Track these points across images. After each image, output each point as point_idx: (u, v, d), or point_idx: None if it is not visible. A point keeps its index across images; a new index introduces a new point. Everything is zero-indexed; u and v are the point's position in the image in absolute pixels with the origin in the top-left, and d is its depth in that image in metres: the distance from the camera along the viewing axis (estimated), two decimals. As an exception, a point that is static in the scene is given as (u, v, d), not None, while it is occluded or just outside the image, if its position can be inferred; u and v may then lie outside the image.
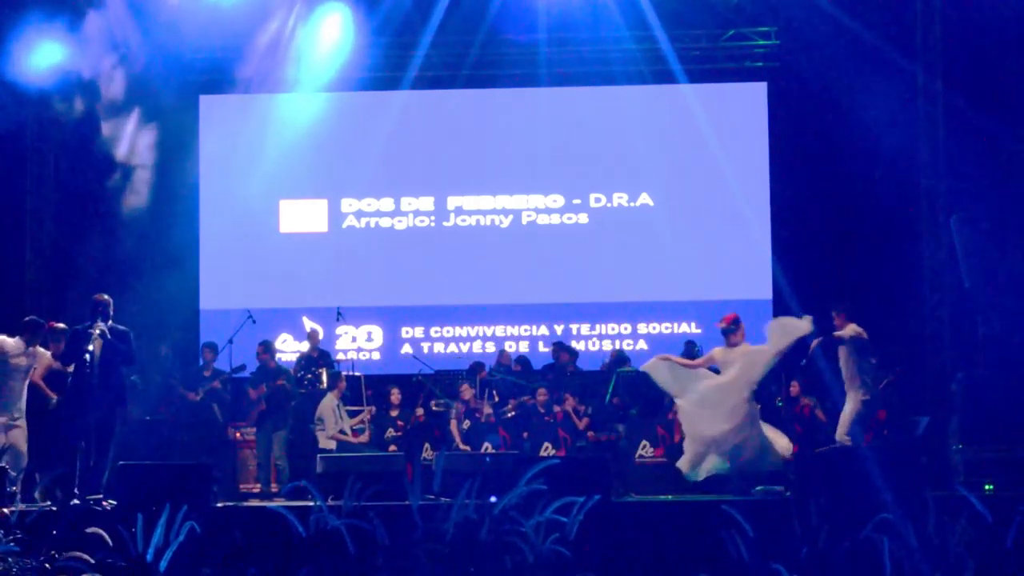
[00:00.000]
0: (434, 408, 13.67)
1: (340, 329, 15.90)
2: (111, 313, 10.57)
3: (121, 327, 10.62)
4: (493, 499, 8.57)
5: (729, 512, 8.34)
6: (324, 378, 13.67)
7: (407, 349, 16.35)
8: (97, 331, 10.34)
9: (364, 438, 13.20)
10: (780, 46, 16.40)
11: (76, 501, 9.96)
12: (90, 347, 10.28)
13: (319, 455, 11.73)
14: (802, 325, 11.46)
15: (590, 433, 13.36)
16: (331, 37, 16.12)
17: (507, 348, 15.70)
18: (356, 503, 8.65)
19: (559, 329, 16.32)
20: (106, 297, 10.62)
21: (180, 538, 7.76)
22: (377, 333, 16.47)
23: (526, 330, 16.46)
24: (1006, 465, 11.51)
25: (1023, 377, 12.65)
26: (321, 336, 14.85)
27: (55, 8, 15.39)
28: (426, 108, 16.73)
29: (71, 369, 10.63)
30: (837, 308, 11.75)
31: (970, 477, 11.49)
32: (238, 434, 13.66)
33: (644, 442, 13.21)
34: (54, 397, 11.31)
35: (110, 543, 8.11)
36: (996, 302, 13.67)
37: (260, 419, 13.13)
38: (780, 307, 15.64)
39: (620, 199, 16.56)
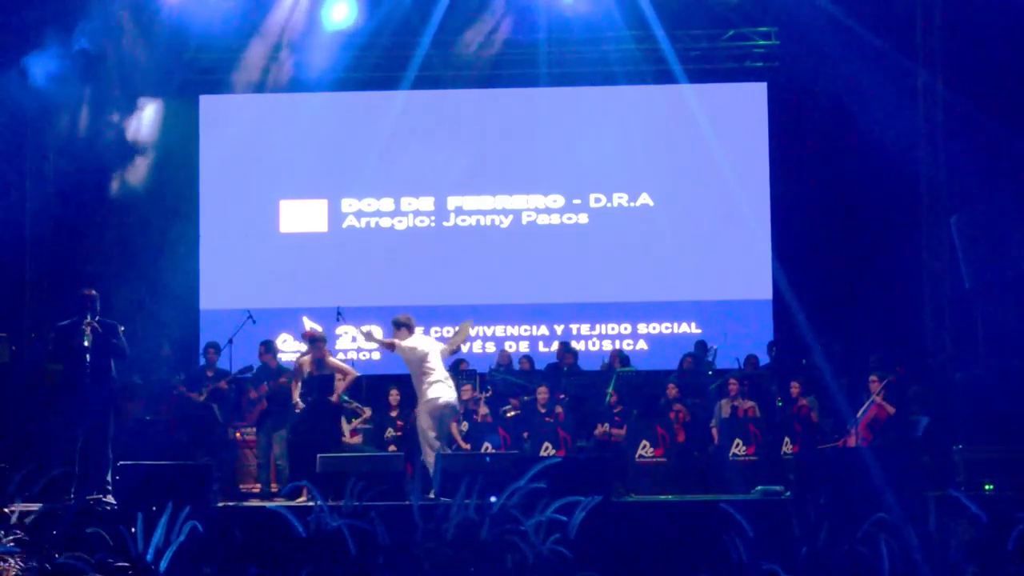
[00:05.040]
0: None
1: (340, 329, 15.87)
2: (99, 307, 10.55)
3: (109, 320, 10.59)
4: (493, 499, 8.58)
5: (729, 512, 8.35)
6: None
7: (399, 352, 16.29)
8: (87, 326, 10.31)
9: (356, 423, 13.21)
10: (780, 46, 16.39)
11: (73, 498, 9.97)
12: (84, 343, 10.27)
13: (319, 455, 11.72)
14: None
15: (600, 427, 13.34)
16: (331, 36, 16.12)
17: (507, 348, 15.71)
18: (356, 503, 8.66)
19: (559, 329, 16.32)
20: (94, 292, 10.60)
21: (180, 538, 7.77)
22: (377, 333, 16.37)
23: (526, 330, 16.45)
24: (1006, 465, 11.50)
25: (1023, 377, 12.66)
26: (321, 336, 14.84)
27: (55, 9, 15.41)
28: (426, 108, 16.72)
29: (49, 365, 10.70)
30: None
31: (970, 477, 11.49)
32: (238, 434, 13.65)
33: (644, 442, 13.21)
34: (300, 406, 12.07)
35: (110, 543, 8.13)
36: (996, 302, 13.68)
37: (261, 419, 13.12)
38: (780, 307, 15.66)
39: (620, 199, 16.55)
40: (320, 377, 12.10)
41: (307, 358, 12.35)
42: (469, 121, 16.69)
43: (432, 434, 11.51)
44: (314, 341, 12.29)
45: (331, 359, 12.37)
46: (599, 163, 16.45)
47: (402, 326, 11.89)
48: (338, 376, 12.27)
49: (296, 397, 12.21)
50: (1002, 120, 14.24)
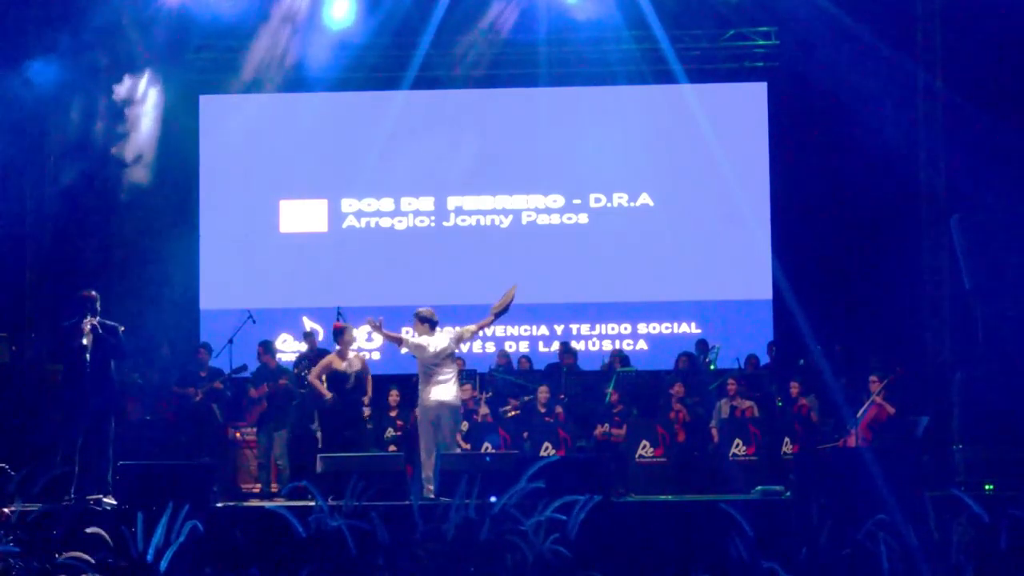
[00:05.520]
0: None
1: (340, 329, 15.88)
2: (99, 309, 10.58)
3: (110, 322, 10.62)
4: (493, 499, 8.58)
5: (729, 512, 8.34)
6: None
7: (407, 349, 16.29)
8: (87, 326, 10.34)
9: None
10: (780, 46, 16.39)
11: (73, 498, 9.98)
12: (84, 342, 10.30)
13: (319, 455, 11.73)
14: None
15: (599, 428, 13.33)
16: (332, 35, 16.13)
17: (507, 348, 15.71)
18: (357, 503, 8.66)
19: (559, 329, 16.32)
20: (93, 293, 10.64)
21: (180, 538, 7.76)
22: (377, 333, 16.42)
23: (526, 330, 16.45)
24: (1006, 465, 11.51)
25: (1023, 377, 12.65)
26: (321, 337, 14.87)
27: (56, 9, 15.43)
28: (426, 108, 16.72)
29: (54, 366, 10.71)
30: None
31: (970, 477, 11.49)
32: (238, 434, 13.66)
33: (644, 442, 13.21)
34: (329, 396, 11.94)
35: (110, 543, 8.12)
36: (996, 302, 13.68)
37: (261, 419, 13.14)
38: (780, 307, 15.66)
39: (620, 199, 16.55)
40: (357, 375, 12.11)
41: (334, 354, 12.29)
42: (469, 121, 16.70)
43: (429, 436, 11.34)
44: (342, 333, 12.21)
45: (355, 355, 12.34)
46: (599, 163, 16.45)
47: (424, 321, 11.52)
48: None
49: (328, 394, 12.10)
50: (1002, 120, 14.25)
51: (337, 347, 12.30)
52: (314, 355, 14.13)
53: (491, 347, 16.11)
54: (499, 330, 16.35)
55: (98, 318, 10.52)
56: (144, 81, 15.95)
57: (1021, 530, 8.00)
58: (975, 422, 12.38)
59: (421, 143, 16.53)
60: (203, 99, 16.75)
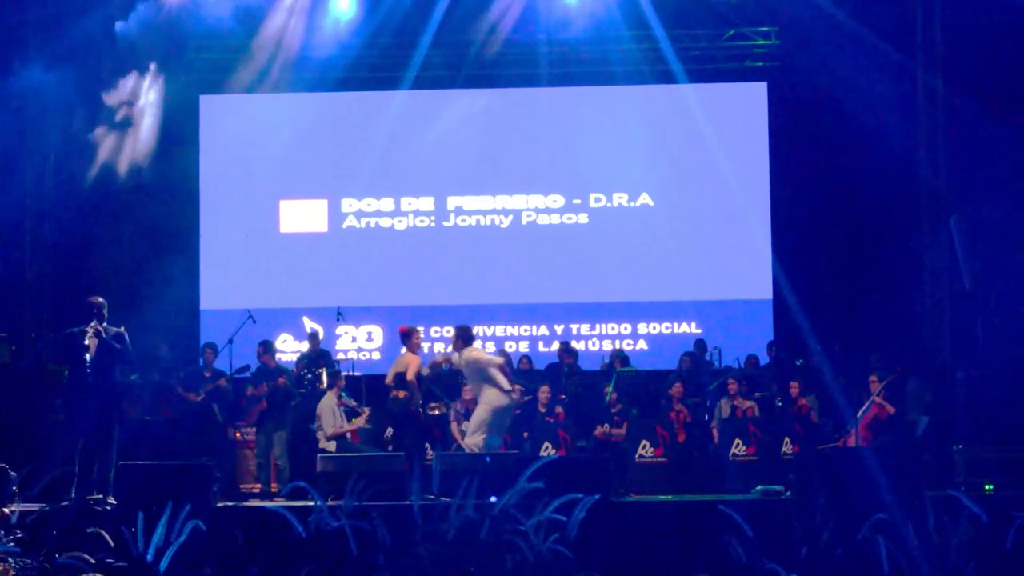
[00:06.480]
0: (431, 413, 13.63)
1: (340, 329, 15.90)
2: (105, 315, 10.62)
3: (115, 328, 10.65)
4: (493, 499, 8.58)
5: (728, 512, 8.35)
6: (324, 378, 13.68)
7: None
8: (92, 332, 10.38)
9: (360, 422, 13.20)
10: (780, 46, 16.40)
11: (73, 498, 9.99)
12: (86, 342, 10.33)
13: (319, 455, 11.72)
14: None
15: (599, 429, 13.34)
16: (332, 35, 16.14)
17: (507, 348, 15.70)
18: (357, 503, 8.66)
19: (559, 329, 16.32)
20: (100, 300, 10.68)
21: (181, 538, 7.77)
22: (377, 333, 16.46)
23: (526, 330, 16.46)
24: (1006, 465, 11.51)
25: (1023, 377, 12.65)
26: (321, 336, 14.87)
27: (56, 9, 15.43)
28: (426, 108, 16.72)
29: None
30: None
31: (970, 477, 11.49)
32: (238, 434, 13.64)
33: (644, 442, 13.21)
34: (420, 398, 12.15)
35: (110, 543, 8.13)
36: (996, 302, 13.68)
37: (261, 419, 13.12)
38: (780, 307, 15.67)
39: (620, 199, 16.56)
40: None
41: (416, 356, 12.41)
42: (469, 121, 16.69)
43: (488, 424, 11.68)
44: (411, 335, 12.32)
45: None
46: (599, 163, 16.46)
47: (458, 338, 12.17)
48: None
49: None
50: (1002, 120, 14.24)
51: (404, 349, 12.36)
52: (316, 355, 14.16)
53: (491, 347, 16.09)
54: (499, 330, 16.36)
55: (105, 324, 10.56)
56: (144, 81, 15.95)
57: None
58: (975, 422, 12.38)
59: (421, 143, 16.54)
60: (203, 99, 16.75)
